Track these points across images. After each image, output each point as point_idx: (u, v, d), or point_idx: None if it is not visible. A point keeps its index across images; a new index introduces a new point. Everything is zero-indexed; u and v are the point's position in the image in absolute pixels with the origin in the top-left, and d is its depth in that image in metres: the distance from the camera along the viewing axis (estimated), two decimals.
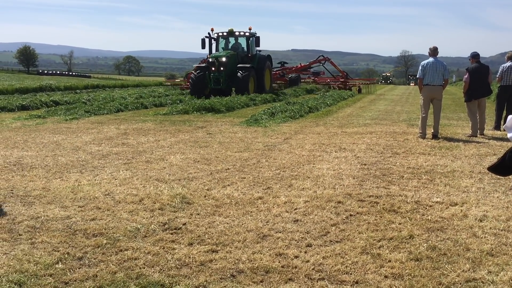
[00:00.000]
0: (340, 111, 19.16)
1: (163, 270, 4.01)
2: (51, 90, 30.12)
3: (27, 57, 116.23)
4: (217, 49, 26.90)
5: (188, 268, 4.07)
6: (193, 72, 25.67)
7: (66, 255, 4.28)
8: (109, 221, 5.22)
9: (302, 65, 40.89)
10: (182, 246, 4.54)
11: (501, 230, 4.99)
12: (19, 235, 4.79)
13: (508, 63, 12.71)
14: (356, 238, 4.76)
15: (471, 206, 5.81)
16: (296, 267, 4.08)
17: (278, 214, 5.51)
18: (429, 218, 5.36)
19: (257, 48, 27.34)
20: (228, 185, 6.81)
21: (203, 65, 25.98)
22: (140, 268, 4.05)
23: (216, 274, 3.94)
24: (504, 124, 3.72)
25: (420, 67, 11.57)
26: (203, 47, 26.46)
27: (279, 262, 4.18)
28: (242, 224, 5.15)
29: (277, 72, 35.91)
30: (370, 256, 4.32)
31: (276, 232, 4.91)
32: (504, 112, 12.85)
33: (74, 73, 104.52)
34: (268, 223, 5.21)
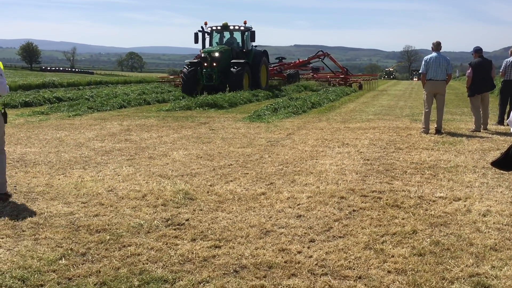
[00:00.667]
0: (343, 107, 19.13)
1: (166, 266, 4.01)
2: (54, 87, 30.19)
3: (30, 53, 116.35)
4: (210, 44, 25.72)
5: (191, 263, 4.07)
6: (185, 67, 24.48)
7: (69, 251, 4.29)
8: (112, 217, 5.23)
9: (301, 60, 39.05)
10: (185, 241, 4.54)
11: (505, 225, 4.98)
12: (23, 231, 4.80)
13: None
14: (359, 233, 4.76)
15: (474, 201, 5.79)
16: (299, 263, 4.08)
17: (281, 209, 5.51)
18: (433, 213, 5.35)
19: (253, 43, 26.27)
20: (231, 180, 6.80)
21: (196, 60, 24.78)
22: (143, 263, 4.05)
23: (219, 270, 3.94)
24: (507, 118, 3.71)
25: (423, 62, 11.53)
26: (196, 41, 25.34)
27: (282, 257, 4.18)
28: (245, 220, 5.15)
29: (275, 68, 34.47)
30: (373, 251, 4.32)
31: (279, 228, 4.91)
32: (508, 107, 12.80)
33: (77, 70, 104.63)
34: (271, 218, 5.20)
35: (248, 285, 3.69)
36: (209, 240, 4.57)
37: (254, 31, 25.59)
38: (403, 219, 5.18)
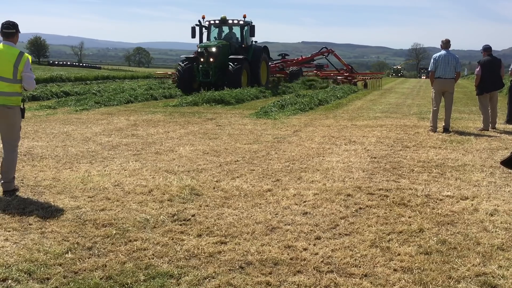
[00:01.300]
0: (350, 104, 19.07)
1: (172, 261, 4.01)
2: (62, 81, 30.28)
3: (38, 48, 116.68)
4: (208, 39, 24.38)
5: (196, 259, 4.07)
6: (180, 63, 23.17)
7: (75, 245, 4.30)
8: (119, 211, 5.24)
9: (304, 57, 37.26)
10: (191, 237, 4.54)
11: None
12: (29, 224, 4.82)
13: None
14: (365, 231, 4.74)
15: (482, 200, 5.76)
16: (305, 260, 4.07)
17: (287, 206, 5.50)
18: (439, 212, 5.32)
19: (253, 38, 24.89)
20: (237, 177, 6.80)
21: (192, 56, 23.45)
22: (149, 258, 4.06)
23: (225, 266, 3.94)
24: None
25: (432, 60, 11.48)
26: (193, 36, 23.85)
27: (288, 254, 4.17)
28: (251, 216, 5.14)
29: (276, 65, 32.83)
30: (379, 249, 4.30)
31: (285, 225, 4.90)
32: None
33: (84, 64, 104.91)
34: (277, 215, 5.20)
35: (254, 282, 3.68)
36: (215, 236, 4.57)
37: (253, 26, 24.24)
38: (409, 217, 5.16)
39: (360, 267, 3.95)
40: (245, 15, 24.13)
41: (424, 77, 67.42)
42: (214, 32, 24.82)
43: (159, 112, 14.83)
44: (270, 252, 4.21)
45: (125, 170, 7.08)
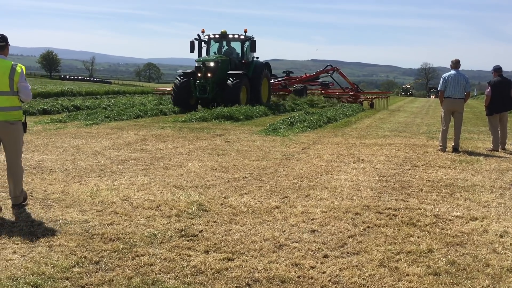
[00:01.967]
0: (359, 122, 19.06)
1: (179, 277, 4.00)
2: (73, 95, 30.50)
3: (49, 62, 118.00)
4: (207, 53, 23.34)
5: (203, 275, 4.06)
6: (177, 78, 22.18)
7: (83, 259, 4.30)
8: (126, 226, 5.24)
9: (308, 75, 36.34)
10: (198, 253, 4.53)
11: None
12: (37, 237, 4.83)
13: None
14: (373, 250, 4.71)
15: (491, 221, 5.71)
16: (312, 278, 4.04)
17: (295, 224, 5.47)
18: (449, 233, 5.28)
19: (254, 54, 23.59)
20: (245, 193, 6.79)
21: (189, 71, 22.25)
22: (156, 274, 4.05)
23: (232, 283, 3.92)
24: None
25: (441, 80, 11.49)
26: (192, 50, 22.71)
27: (295, 272, 4.15)
28: (259, 233, 5.13)
29: (279, 82, 31.45)
30: (387, 269, 4.26)
31: (293, 242, 4.88)
32: None
33: (95, 79, 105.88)
34: (284, 232, 5.18)
35: None
36: (222, 252, 4.55)
37: (255, 41, 22.86)
38: (418, 237, 5.12)
39: (368, 286, 3.92)
40: (246, 29, 23.28)
41: (433, 97, 67.34)
42: (214, 47, 23.81)
43: (168, 127, 14.89)
44: (277, 269, 4.18)
45: (133, 185, 7.10)
